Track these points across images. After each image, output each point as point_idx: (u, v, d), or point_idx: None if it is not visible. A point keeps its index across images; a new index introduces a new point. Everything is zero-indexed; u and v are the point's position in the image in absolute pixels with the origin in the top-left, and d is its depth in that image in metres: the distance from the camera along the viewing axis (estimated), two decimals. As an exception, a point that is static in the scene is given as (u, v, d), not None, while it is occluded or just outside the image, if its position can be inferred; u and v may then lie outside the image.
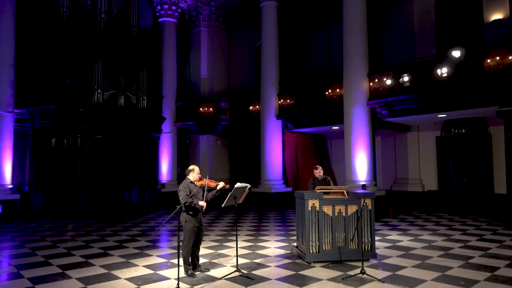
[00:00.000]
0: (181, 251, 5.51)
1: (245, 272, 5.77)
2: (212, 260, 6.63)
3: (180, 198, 5.57)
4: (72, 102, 12.72)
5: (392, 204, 13.24)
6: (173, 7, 16.90)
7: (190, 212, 5.64)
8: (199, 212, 5.73)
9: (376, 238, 7.70)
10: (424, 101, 10.97)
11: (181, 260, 5.52)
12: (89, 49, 13.30)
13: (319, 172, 7.73)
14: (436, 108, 10.97)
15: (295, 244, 7.44)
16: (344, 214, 6.34)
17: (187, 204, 5.55)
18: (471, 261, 6.38)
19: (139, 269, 6.12)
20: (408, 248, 7.42)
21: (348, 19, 12.00)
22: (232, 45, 18.55)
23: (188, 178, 5.79)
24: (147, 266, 6.28)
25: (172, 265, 6.30)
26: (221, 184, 5.82)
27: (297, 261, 6.50)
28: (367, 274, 5.46)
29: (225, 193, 5.83)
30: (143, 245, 8.08)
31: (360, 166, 11.48)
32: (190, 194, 5.54)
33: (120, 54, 14.03)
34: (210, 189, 5.81)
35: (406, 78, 11.12)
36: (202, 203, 5.60)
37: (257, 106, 15.89)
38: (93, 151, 13.11)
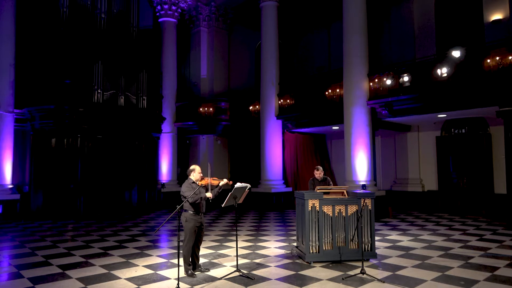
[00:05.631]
0: (181, 251, 5.52)
1: (245, 272, 5.77)
2: (212, 260, 6.63)
3: (188, 197, 5.48)
4: (72, 102, 12.72)
5: (392, 204, 13.24)
6: (173, 7, 16.90)
7: (191, 211, 5.64)
8: (201, 211, 5.74)
9: (376, 238, 7.70)
10: (424, 101, 10.97)
11: (181, 260, 5.52)
12: (89, 49, 13.30)
13: (319, 173, 7.74)
14: (436, 108, 10.97)
15: (295, 244, 7.44)
16: (344, 214, 6.34)
17: (197, 202, 5.55)
18: (471, 261, 6.38)
19: (139, 269, 6.12)
20: (408, 248, 7.43)
21: (348, 19, 12.00)
22: (232, 45, 18.55)
23: (190, 178, 5.79)
24: (147, 266, 6.28)
25: (172, 265, 6.30)
26: (223, 181, 5.80)
27: (297, 261, 6.50)
28: (367, 274, 5.46)
29: (225, 193, 5.83)
30: (143, 245, 8.08)
31: (360, 166, 11.48)
32: (195, 195, 5.53)
33: (120, 54, 14.02)
34: (212, 187, 5.81)
35: (406, 78, 11.13)
36: (209, 194, 5.66)
37: (257, 106, 15.89)
38: (93, 151, 13.11)
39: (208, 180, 5.76)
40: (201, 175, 5.87)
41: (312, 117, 13.89)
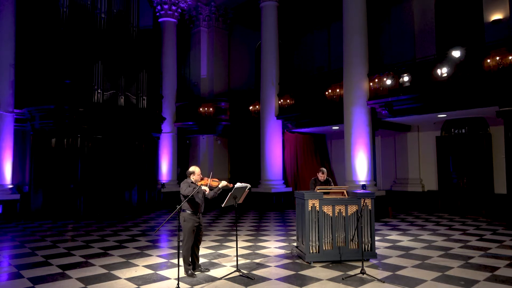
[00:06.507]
0: (181, 251, 5.51)
1: (245, 272, 5.77)
2: (212, 260, 6.63)
3: (182, 190, 5.53)
4: (72, 102, 12.73)
5: (392, 204, 13.24)
6: (173, 7, 16.90)
7: (189, 211, 5.64)
8: (199, 211, 5.74)
9: (376, 238, 7.70)
10: (424, 101, 10.97)
11: (181, 260, 5.52)
12: (89, 49, 13.30)
13: (324, 176, 7.77)
14: (436, 108, 10.97)
15: (295, 244, 7.44)
16: (344, 214, 6.34)
17: (189, 194, 5.49)
18: (471, 261, 6.38)
19: (139, 269, 6.12)
20: (408, 248, 7.43)
21: (348, 19, 12.00)
22: (232, 45, 18.55)
23: (190, 179, 5.79)
24: (147, 266, 6.28)
25: (172, 265, 6.30)
26: (223, 183, 5.79)
27: (297, 261, 6.50)
28: (367, 274, 5.46)
29: (225, 193, 5.83)
30: (143, 245, 8.08)
31: (360, 166, 11.47)
32: (192, 191, 5.53)
33: (120, 54, 14.03)
34: (212, 188, 5.80)
35: (406, 78, 11.12)
36: (205, 188, 5.58)
37: (257, 106, 15.89)
38: (93, 151, 13.11)
39: (208, 181, 5.75)
40: (201, 176, 5.87)
41: (312, 117, 13.88)
